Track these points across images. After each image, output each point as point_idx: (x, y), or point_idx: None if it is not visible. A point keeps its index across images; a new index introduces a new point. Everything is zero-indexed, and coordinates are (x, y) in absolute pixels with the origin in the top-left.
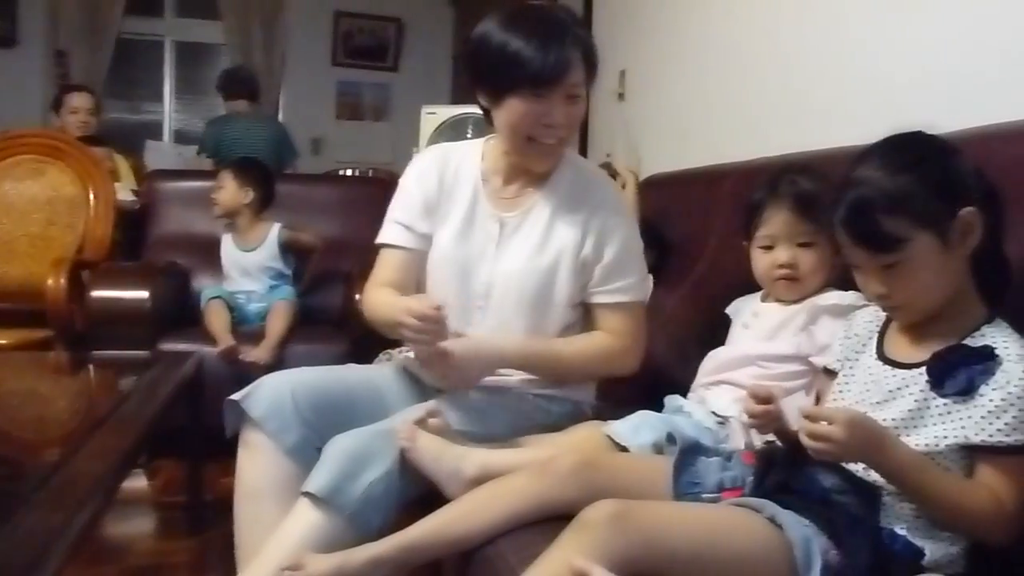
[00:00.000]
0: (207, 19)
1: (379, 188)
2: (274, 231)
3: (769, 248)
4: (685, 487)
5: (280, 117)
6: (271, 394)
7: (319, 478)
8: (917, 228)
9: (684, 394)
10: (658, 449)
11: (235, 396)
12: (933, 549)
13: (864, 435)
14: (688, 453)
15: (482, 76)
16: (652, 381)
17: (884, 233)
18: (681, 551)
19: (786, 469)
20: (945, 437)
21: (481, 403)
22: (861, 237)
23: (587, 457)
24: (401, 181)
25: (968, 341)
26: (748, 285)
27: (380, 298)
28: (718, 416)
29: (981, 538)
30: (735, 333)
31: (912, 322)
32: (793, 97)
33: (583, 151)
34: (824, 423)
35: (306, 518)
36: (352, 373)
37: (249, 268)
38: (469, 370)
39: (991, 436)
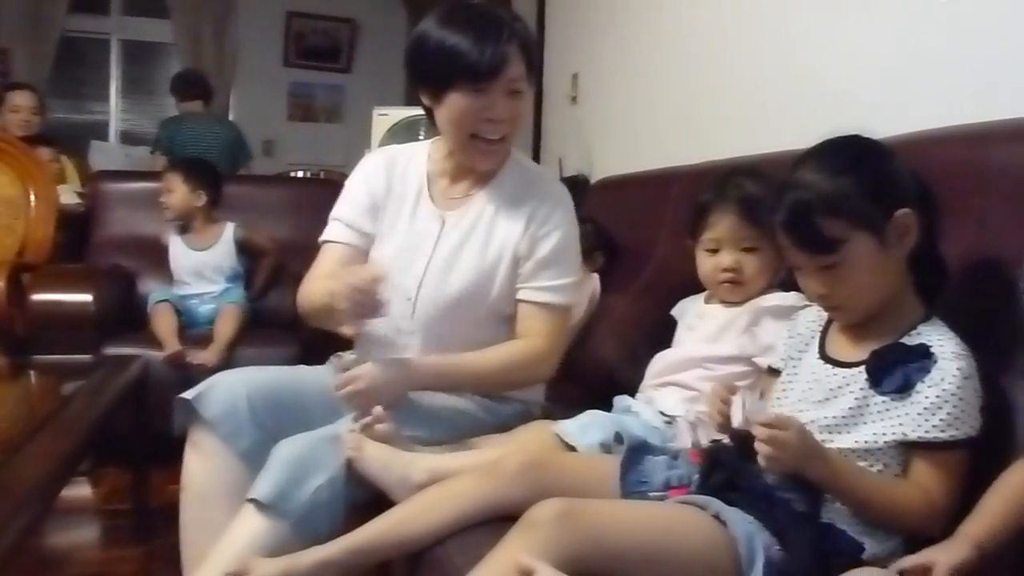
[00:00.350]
0: (155, 17)
1: (331, 190)
2: (228, 229)
3: (714, 251)
4: (632, 486)
5: (231, 118)
6: (225, 395)
7: (264, 484)
8: (855, 229)
9: (633, 394)
10: (606, 448)
11: (186, 394)
12: (873, 543)
13: (809, 442)
14: (636, 452)
15: (423, 75)
16: (602, 382)
17: (823, 235)
18: (627, 549)
19: (731, 467)
20: (884, 434)
21: (429, 407)
22: (801, 239)
23: (534, 457)
24: (347, 182)
25: (905, 340)
26: (696, 286)
27: (316, 285)
28: (666, 416)
29: (914, 533)
30: (681, 335)
31: (852, 322)
32: (740, 102)
33: (535, 154)
34: (778, 430)
35: (251, 524)
36: (305, 374)
37: (203, 269)
38: (376, 397)
39: (927, 432)
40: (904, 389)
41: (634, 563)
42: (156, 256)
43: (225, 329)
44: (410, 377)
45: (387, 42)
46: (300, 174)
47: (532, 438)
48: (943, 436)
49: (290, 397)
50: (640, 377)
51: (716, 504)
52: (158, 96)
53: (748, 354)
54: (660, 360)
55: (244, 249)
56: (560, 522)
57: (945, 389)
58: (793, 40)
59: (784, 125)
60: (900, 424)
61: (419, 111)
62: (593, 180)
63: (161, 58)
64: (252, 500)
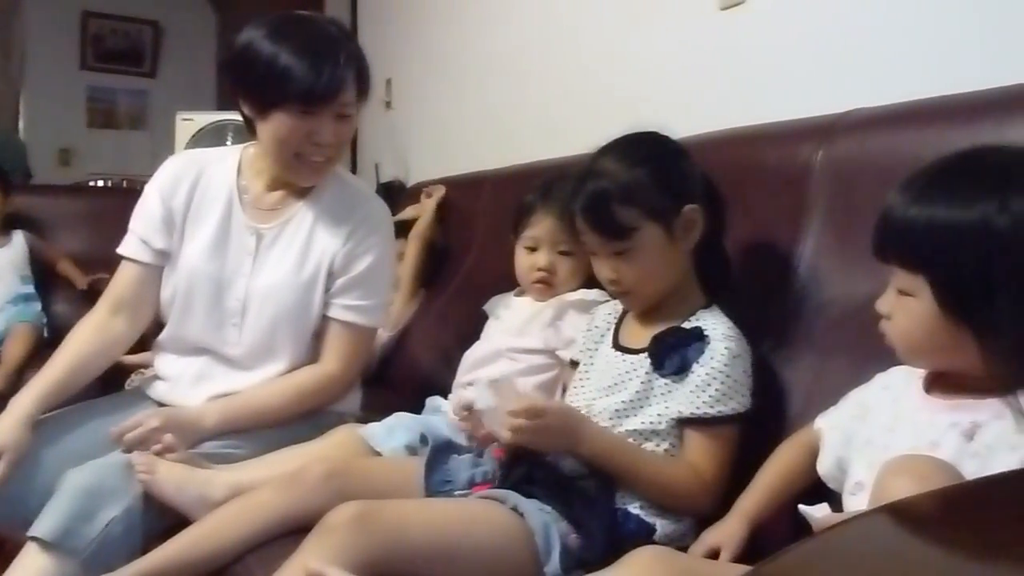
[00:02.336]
0: None
1: (133, 199)
2: (18, 235)
3: (532, 250)
4: (437, 485)
5: (21, 126)
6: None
7: (48, 520)
8: (646, 219)
9: (447, 395)
10: (412, 450)
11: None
12: (664, 524)
13: (567, 423)
14: (440, 452)
15: (248, 87)
16: (417, 385)
17: (617, 221)
18: (426, 547)
19: (531, 460)
20: (665, 414)
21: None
22: (597, 224)
23: (336, 465)
24: (146, 187)
25: (685, 325)
26: (508, 285)
27: (70, 338)
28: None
29: (688, 510)
30: (488, 327)
31: (640, 308)
32: (542, 108)
33: (352, 160)
34: (523, 417)
35: (34, 566)
36: (92, 413)
37: None
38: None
39: (697, 409)
40: (682, 370)
41: (434, 560)
42: None
43: (15, 351)
44: (199, 427)
45: (195, 46)
46: (100, 183)
47: (337, 443)
48: (712, 412)
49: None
50: (453, 376)
51: (514, 497)
52: None
53: (552, 347)
54: (468, 356)
55: (36, 259)
56: (356, 525)
57: (714, 367)
58: (588, 51)
59: (581, 130)
60: (677, 403)
61: (227, 115)
62: (409, 185)
63: None
64: (34, 538)
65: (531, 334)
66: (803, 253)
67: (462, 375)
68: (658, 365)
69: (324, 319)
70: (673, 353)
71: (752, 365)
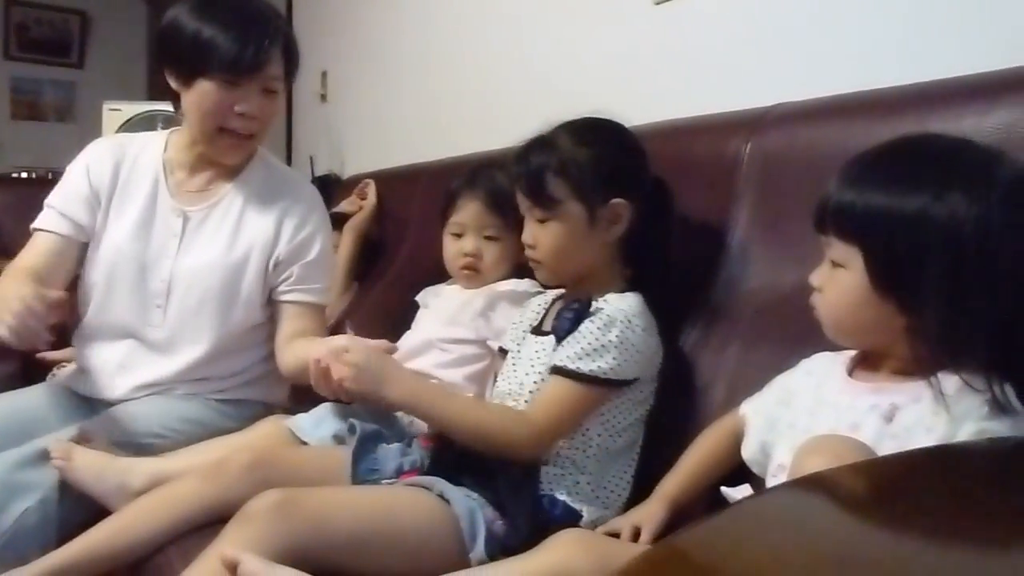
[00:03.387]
0: None
1: None
2: None
3: (458, 236)
4: (364, 474)
5: None
6: None
7: None
8: (573, 197)
9: None
10: (340, 440)
11: None
12: (591, 511)
13: (375, 363)
14: (368, 441)
15: (174, 57)
16: None
17: (546, 190)
18: (347, 533)
19: (460, 447)
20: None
21: (159, 417)
22: (527, 184)
23: (260, 455)
24: (68, 167)
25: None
26: (443, 276)
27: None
28: None
29: (510, 452)
30: (419, 317)
31: (548, 280)
32: (479, 101)
33: (288, 153)
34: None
35: None
36: (7, 405)
37: None
38: None
39: (560, 361)
40: (569, 332)
41: (357, 547)
42: None
43: None
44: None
45: (125, 37)
46: (24, 175)
47: (263, 435)
48: (570, 365)
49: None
50: None
51: (440, 483)
52: None
53: (483, 337)
54: (399, 346)
55: None
56: (277, 512)
57: (586, 327)
58: (526, 44)
59: (518, 122)
60: (558, 359)
61: (157, 106)
62: (344, 178)
63: None
64: None
65: (462, 324)
66: (732, 242)
67: None
68: (559, 339)
69: (286, 305)
70: (566, 323)
71: (644, 341)
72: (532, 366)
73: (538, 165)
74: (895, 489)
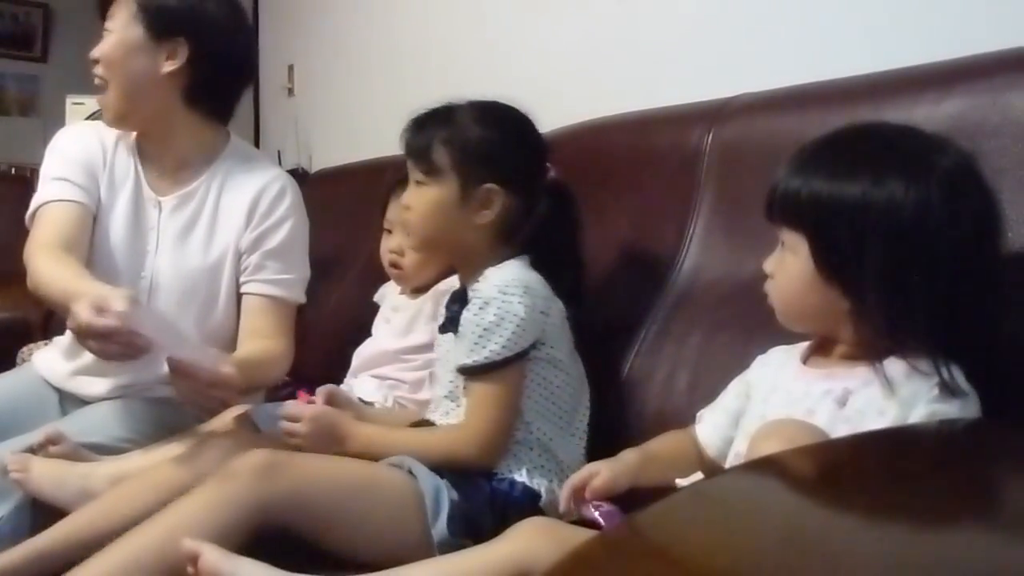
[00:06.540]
0: None
1: (20, 186)
2: None
3: (389, 232)
4: (266, 423)
5: None
6: None
7: None
8: (451, 169)
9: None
10: None
11: None
12: (549, 490)
13: (325, 427)
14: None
15: None
16: (314, 373)
17: (429, 153)
18: (325, 502)
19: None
20: (454, 374)
21: (131, 421)
22: (413, 144)
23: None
24: (53, 144)
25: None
26: None
27: (49, 269)
28: (364, 402)
29: (464, 464)
30: (377, 324)
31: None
32: (445, 92)
33: (255, 147)
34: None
35: None
36: None
37: None
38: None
39: (460, 362)
40: (454, 326)
41: (330, 516)
42: None
43: None
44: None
45: (88, 29)
46: None
47: (229, 423)
48: (467, 361)
49: None
50: (348, 367)
51: (409, 461)
52: None
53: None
54: (360, 354)
55: None
56: (261, 473)
57: (467, 318)
58: (491, 36)
59: None
60: (458, 359)
61: None
62: (312, 172)
63: None
64: None
65: (417, 330)
66: (693, 232)
67: (355, 368)
68: (455, 330)
69: (244, 297)
70: (453, 315)
71: (525, 306)
72: (447, 366)
73: (431, 131)
74: (843, 470)
